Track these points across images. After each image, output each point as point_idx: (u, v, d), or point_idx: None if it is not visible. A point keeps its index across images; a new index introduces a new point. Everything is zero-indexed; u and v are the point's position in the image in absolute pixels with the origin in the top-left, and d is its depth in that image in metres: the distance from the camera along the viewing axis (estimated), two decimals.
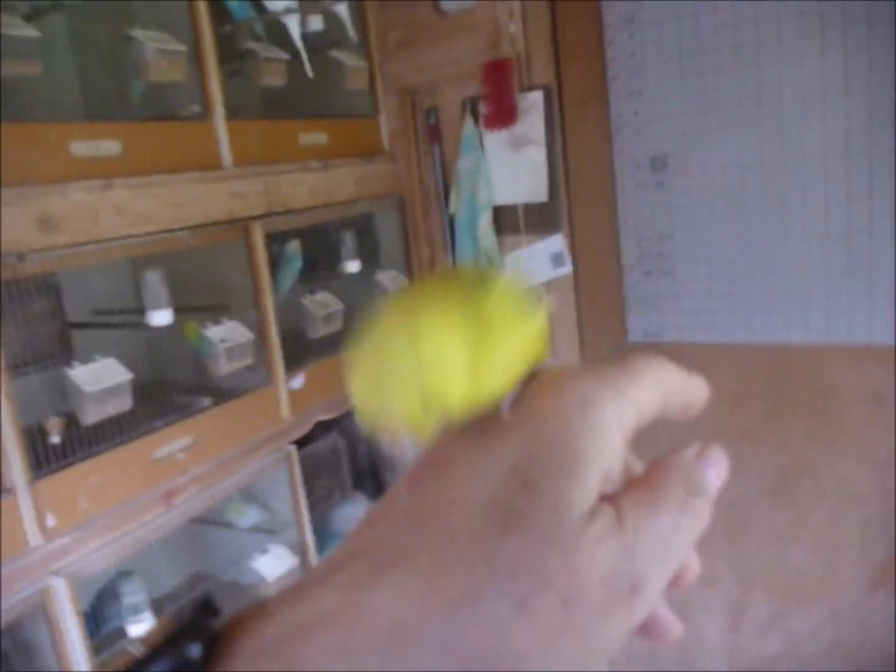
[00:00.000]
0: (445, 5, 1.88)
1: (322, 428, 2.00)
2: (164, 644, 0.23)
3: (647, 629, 0.28)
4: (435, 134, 2.01)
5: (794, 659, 1.91)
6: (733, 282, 1.73)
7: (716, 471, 0.28)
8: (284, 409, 1.73)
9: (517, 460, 0.25)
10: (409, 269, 2.11)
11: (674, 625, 0.30)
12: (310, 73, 1.69)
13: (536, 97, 1.83)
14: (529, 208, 1.91)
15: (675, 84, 1.69)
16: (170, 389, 1.61)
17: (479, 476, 0.25)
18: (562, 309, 1.96)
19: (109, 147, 1.41)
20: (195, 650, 0.23)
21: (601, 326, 1.94)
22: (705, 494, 0.27)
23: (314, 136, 1.85)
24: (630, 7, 1.70)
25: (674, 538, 0.26)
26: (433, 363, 0.26)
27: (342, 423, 2.20)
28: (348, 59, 1.90)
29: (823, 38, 1.53)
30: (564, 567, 0.23)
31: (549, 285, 1.95)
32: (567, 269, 1.91)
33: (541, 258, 1.93)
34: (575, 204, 1.90)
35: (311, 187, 1.82)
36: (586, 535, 0.23)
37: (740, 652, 1.98)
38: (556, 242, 1.91)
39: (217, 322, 1.57)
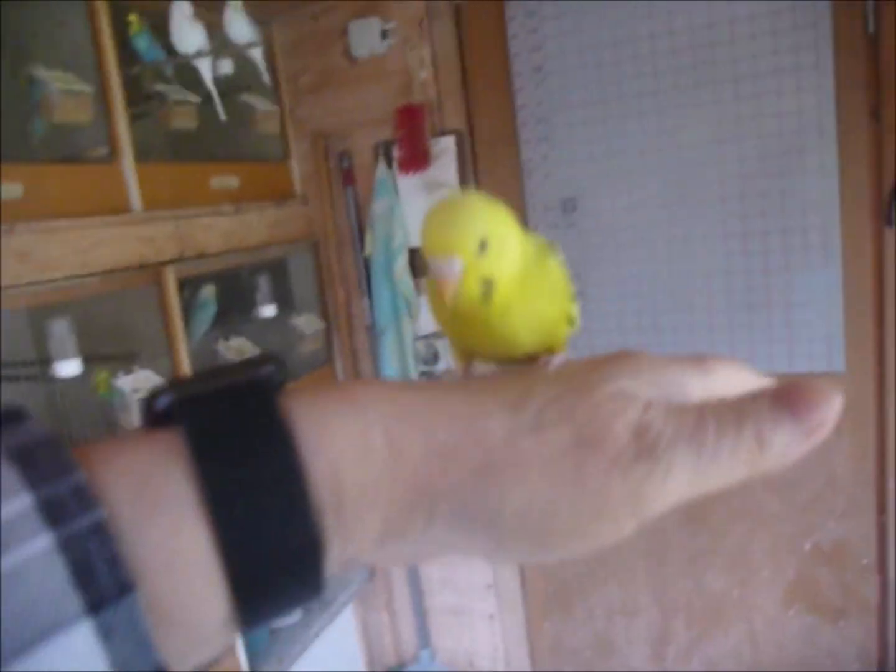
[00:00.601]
0: (356, 51, 1.91)
1: None
2: (240, 365, 0.26)
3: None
4: (348, 177, 2.01)
5: None
6: (642, 317, 1.80)
7: (789, 437, 0.27)
8: None
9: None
10: (324, 313, 2.09)
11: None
12: (222, 117, 1.66)
13: (448, 142, 1.88)
14: None
15: (582, 130, 1.77)
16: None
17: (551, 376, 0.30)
18: None
19: (10, 190, 1.34)
20: (270, 370, 0.25)
21: None
22: (764, 452, 0.26)
23: (226, 180, 1.81)
24: (537, 57, 1.78)
25: (707, 454, 0.26)
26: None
27: None
28: (259, 102, 1.89)
29: (716, 89, 1.64)
30: (587, 413, 0.26)
31: None
32: None
33: None
34: None
35: (223, 231, 1.78)
36: (612, 402, 0.27)
37: None
38: None
39: (128, 371, 1.49)
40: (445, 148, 1.88)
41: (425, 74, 1.88)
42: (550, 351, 0.34)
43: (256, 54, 1.67)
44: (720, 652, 1.94)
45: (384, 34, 1.88)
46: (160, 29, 1.60)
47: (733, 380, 0.30)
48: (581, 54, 1.73)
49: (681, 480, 0.26)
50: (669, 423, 0.26)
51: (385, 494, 0.25)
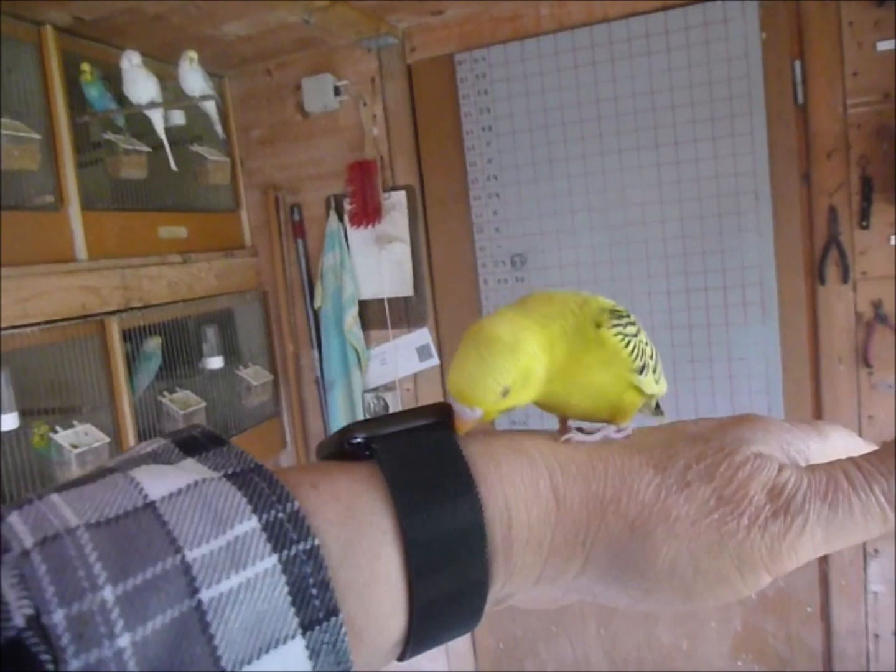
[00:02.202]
0: (309, 107, 1.93)
1: None
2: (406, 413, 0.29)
3: None
4: (299, 230, 2.02)
5: None
6: None
7: None
8: None
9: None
10: (272, 365, 2.06)
11: None
12: (174, 167, 1.65)
13: (400, 197, 1.90)
14: (395, 303, 1.94)
15: (531, 188, 1.82)
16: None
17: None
18: (430, 400, 1.98)
19: None
20: (443, 416, 0.29)
21: None
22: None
23: (174, 230, 1.80)
24: (487, 118, 1.83)
25: (841, 514, 0.27)
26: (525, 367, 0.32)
27: None
28: (210, 153, 1.88)
29: (658, 152, 1.71)
30: (728, 474, 0.28)
31: (417, 378, 1.97)
32: (434, 361, 1.95)
33: (408, 351, 1.96)
34: (440, 298, 1.96)
35: (170, 281, 1.75)
36: (749, 463, 0.28)
37: None
38: (423, 336, 1.94)
39: (67, 425, 1.44)
40: (396, 202, 1.90)
41: (377, 131, 1.91)
42: (612, 419, 0.34)
43: (210, 107, 1.67)
44: (656, 661, 1.94)
45: (337, 90, 1.91)
46: (113, 79, 1.59)
47: (846, 445, 0.32)
48: (529, 116, 1.79)
49: (815, 537, 0.27)
50: (803, 483, 0.28)
51: (548, 539, 0.27)
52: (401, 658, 0.27)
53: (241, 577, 0.21)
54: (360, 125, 1.92)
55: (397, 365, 1.96)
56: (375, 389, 1.98)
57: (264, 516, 0.22)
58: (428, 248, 1.94)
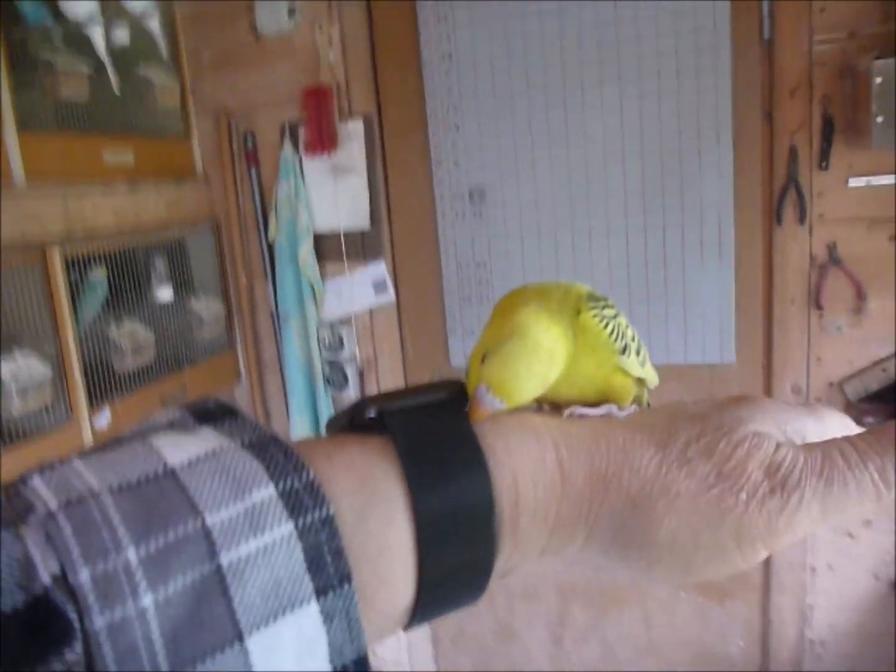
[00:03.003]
0: (262, 29, 1.84)
1: None
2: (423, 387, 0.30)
3: None
4: (252, 158, 1.95)
5: (612, 663, 2.02)
6: None
7: None
8: None
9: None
10: (226, 297, 2.02)
11: None
12: (116, 91, 1.57)
13: (356, 126, 1.84)
14: (351, 236, 1.90)
15: (491, 121, 1.77)
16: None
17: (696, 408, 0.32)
18: (385, 336, 1.97)
19: None
20: (455, 391, 0.31)
21: (424, 352, 1.97)
22: (891, 487, 0.28)
23: (120, 155, 1.72)
24: (447, 46, 1.76)
25: (835, 491, 0.28)
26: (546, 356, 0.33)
27: None
28: (157, 76, 1.80)
29: (621, 87, 1.67)
30: (727, 451, 0.29)
31: (373, 313, 1.95)
32: (390, 296, 1.93)
33: (363, 286, 1.93)
34: (397, 232, 1.92)
35: (116, 209, 1.69)
36: (748, 441, 0.29)
37: (563, 661, 2.07)
38: (379, 270, 1.92)
39: (8, 357, 1.40)
40: (353, 131, 1.84)
41: (333, 56, 1.84)
42: (609, 401, 0.35)
43: (154, 25, 1.58)
44: (616, 634, 2.01)
45: (291, 12, 1.82)
46: None
47: (840, 428, 0.33)
48: (491, 44, 1.73)
49: (811, 512, 0.28)
50: (799, 460, 0.29)
51: (553, 512, 0.28)
52: (406, 627, 0.27)
53: (260, 542, 0.22)
54: (315, 49, 1.85)
55: (353, 299, 1.94)
56: (331, 323, 1.96)
57: (281, 484, 0.23)
58: (385, 180, 1.89)
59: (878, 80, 1.38)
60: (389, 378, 1.98)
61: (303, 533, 0.22)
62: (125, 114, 1.75)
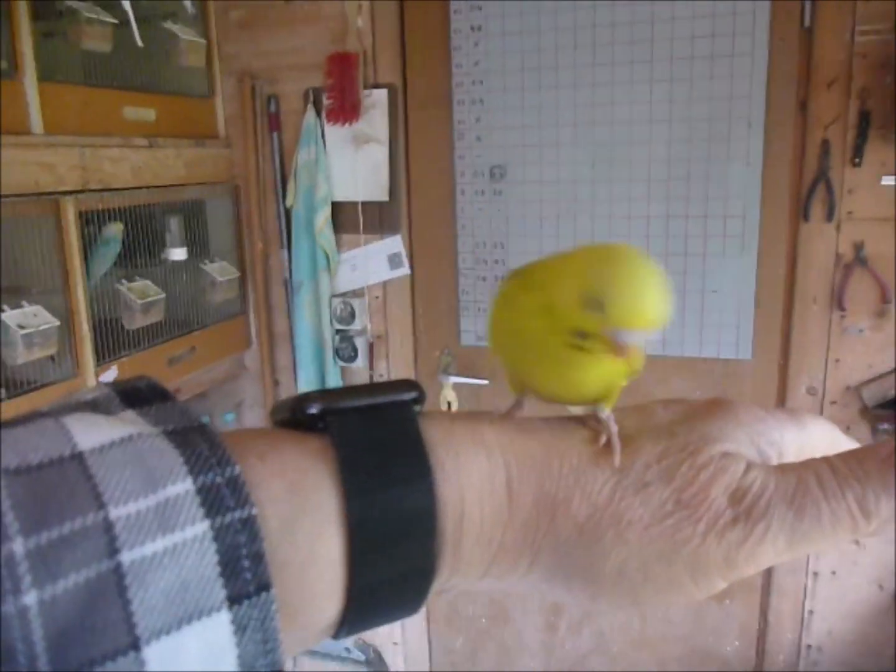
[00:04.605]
0: None
1: None
2: (383, 385, 0.27)
3: None
4: (274, 122, 1.93)
5: (605, 654, 2.01)
6: None
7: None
8: None
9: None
10: (240, 262, 2.01)
11: None
12: (139, 42, 1.56)
13: (381, 95, 1.81)
14: (369, 207, 1.88)
15: (517, 97, 1.73)
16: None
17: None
18: (397, 310, 1.95)
19: None
20: (412, 395, 0.27)
21: (436, 329, 1.95)
22: (869, 519, 0.26)
23: (141, 111, 1.71)
24: (478, 16, 1.72)
25: (807, 522, 0.26)
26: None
27: None
28: (183, 32, 1.78)
29: (652, 67, 1.63)
30: (688, 476, 0.27)
31: (386, 286, 1.93)
32: (405, 270, 1.90)
33: (378, 259, 1.91)
34: (415, 206, 1.90)
35: (134, 165, 1.68)
36: (713, 464, 0.27)
37: (556, 649, 2.05)
38: (395, 243, 1.89)
39: (16, 305, 1.40)
40: (377, 101, 1.81)
41: (362, 23, 1.81)
42: (602, 401, 0.32)
43: None
44: (610, 625, 1.99)
45: None
46: None
47: (824, 438, 0.31)
48: (521, 18, 1.69)
49: (777, 544, 0.26)
50: (769, 486, 0.26)
51: (497, 538, 0.26)
52: (335, 637, 0.26)
53: (168, 542, 0.20)
54: (344, 15, 1.81)
55: (367, 271, 1.92)
56: (343, 295, 1.94)
57: (200, 478, 0.21)
58: (406, 152, 1.87)
59: None
60: (399, 353, 1.97)
61: (219, 533, 0.20)
62: (149, 70, 1.74)
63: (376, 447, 0.25)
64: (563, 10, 1.66)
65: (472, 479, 0.26)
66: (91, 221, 1.57)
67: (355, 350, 1.94)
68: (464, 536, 0.26)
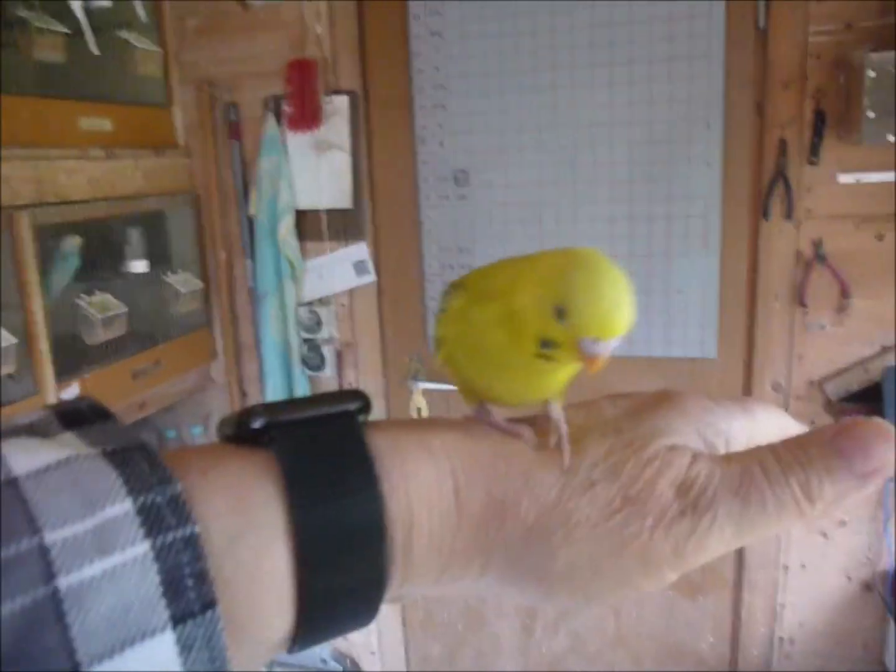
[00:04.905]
0: None
1: None
2: (327, 396, 0.27)
3: None
4: (235, 131, 1.91)
5: (582, 653, 2.01)
6: None
7: (843, 485, 0.26)
8: None
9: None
10: (203, 273, 1.98)
11: None
12: (95, 50, 1.53)
13: (342, 101, 1.80)
14: (333, 214, 1.87)
15: (479, 101, 1.73)
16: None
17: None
18: (365, 317, 1.94)
19: None
20: (358, 404, 0.27)
21: (404, 335, 1.94)
22: (814, 502, 0.26)
23: (97, 122, 1.68)
24: (437, 21, 1.72)
25: (753, 510, 0.26)
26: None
27: None
28: (138, 41, 1.75)
29: (612, 71, 1.64)
30: (634, 472, 0.27)
31: (353, 294, 1.92)
32: (371, 277, 1.89)
33: (344, 266, 1.89)
34: (379, 212, 1.89)
35: (91, 177, 1.65)
36: (659, 459, 0.27)
37: (533, 651, 2.06)
38: (360, 250, 1.88)
39: None
40: (338, 108, 1.80)
41: (321, 29, 1.79)
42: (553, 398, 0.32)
43: None
44: (585, 625, 2.00)
45: None
46: None
47: (773, 424, 0.31)
48: (481, 23, 1.69)
49: (724, 534, 0.26)
50: (715, 477, 0.27)
51: (448, 543, 0.26)
52: (289, 651, 0.26)
53: (107, 564, 0.19)
54: (302, 21, 1.80)
55: (333, 279, 1.90)
56: (310, 303, 1.93)
57: (140, 499, 0.21)
58: (369, 158, 1.86)
59: (872, 73, 1.35)
60: (367, 360, 1.96)
61: (160, 553, 0.20)
62: (104, 79, 1.71)
63: (321, 459, 0.25)
64: (522, 15, 1.66)
65: (420, 486, 0.26)
66: (48, 235, 1.53)
67: (323, 359, 1.93)
68: (414, 544, 0.26)
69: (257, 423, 0.25)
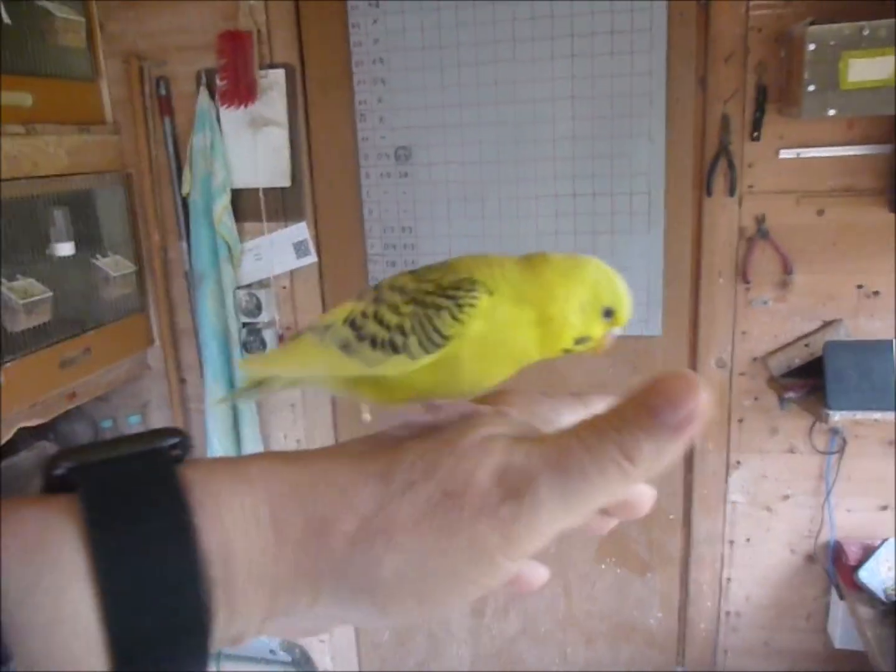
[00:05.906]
0: None
1: (28, 436, 1.74)
2: (142, 435, 0.26)
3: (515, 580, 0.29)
4: (166, 106, 1.83)
5: (533, 635, 2.01)
6: None
7: (659, 441, 0.25)
8: None
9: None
10: (136, 255, 1.90)
11: (538, 573, 0.30)
12: (6, 19, 1.44)
13: (278, 75, 1.73)
14: (271, 193, 1.80)
15: (419, 76, 1.69)
16: None
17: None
18: (306, 300, 1.88)
19: None
20: (171, 440, 0.26)
21: None
22: (635, 462, 0.26)
23: (16, 96, 1.58)
24: None
25: (575, 480, 0.26)
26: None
27: (57, 429, 1.93)
28: (59, 10, 1.65)
29: (553, 44, 1.60)
30: (450, 466, 0.27)
31: (293, 275, 1.86)
32: (312, 258, 1.84)
33: (284, 247, 1.84)
34: (319, 191, 1.83)
35: (10, 155, 1.55)
36: (474, 449, 0.27)
37: (484, 634, 2.04)
38: (300, 230, 1.82)
39: None
40: (274, 82, 1.73)
41: None
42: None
43: None
44: (536, 606, 1.99)
45: None
46: None
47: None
48: None
49: (553, 511, 0.26)
50: (533, 457, 0.26)
51: (271, 572, 0.25)
52: None
53: None
54: None
55: (272, 260, 1.84)
56: (249, 286, 1.86)
57: None
58: (307, 135, 1.79)
59: (812, 46, 1.34)
60: None
61: None
62: (23, 51, 1.61)
63: (128, 496, 0.24)
64: None
65: (235, 516, 0.25)
66: None
67: (264, 343, 1.87)
68: (233, 577, 0.25)
69: (60, 470, 0.24)
